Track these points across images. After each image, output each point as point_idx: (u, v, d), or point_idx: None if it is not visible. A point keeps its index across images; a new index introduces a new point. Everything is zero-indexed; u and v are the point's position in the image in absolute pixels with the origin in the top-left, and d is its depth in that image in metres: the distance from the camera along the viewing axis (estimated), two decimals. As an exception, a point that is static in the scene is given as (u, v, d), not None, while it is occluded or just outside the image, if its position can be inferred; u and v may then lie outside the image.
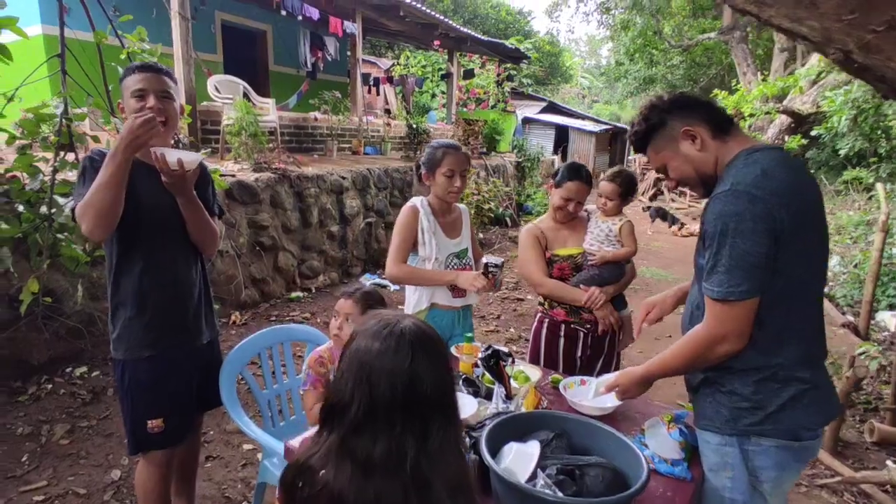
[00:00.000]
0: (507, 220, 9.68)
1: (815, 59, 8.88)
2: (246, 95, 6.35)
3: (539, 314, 2.57)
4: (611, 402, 1.85)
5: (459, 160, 2.34)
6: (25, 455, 2.85)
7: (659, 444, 1.60)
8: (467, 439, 1.48)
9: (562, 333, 2.47)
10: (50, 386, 3.49)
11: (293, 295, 5.49)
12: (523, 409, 1.55)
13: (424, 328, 1.04)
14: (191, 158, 1.74)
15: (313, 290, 5.77)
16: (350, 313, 1.92)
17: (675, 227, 10.71)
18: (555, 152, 17.48)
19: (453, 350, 2.21)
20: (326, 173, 6.05)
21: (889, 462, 2.97)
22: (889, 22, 1.25)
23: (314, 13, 7.33)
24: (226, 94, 6.05)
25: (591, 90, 37.38)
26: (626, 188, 2.38)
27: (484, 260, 2.28)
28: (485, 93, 12.90)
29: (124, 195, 1.67)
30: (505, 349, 1.72)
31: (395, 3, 8.29)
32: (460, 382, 1.82)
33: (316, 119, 7.85)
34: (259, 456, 2.88)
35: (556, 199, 2.43)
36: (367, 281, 6.23)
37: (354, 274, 6.44)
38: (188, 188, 1.79)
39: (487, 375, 1.86)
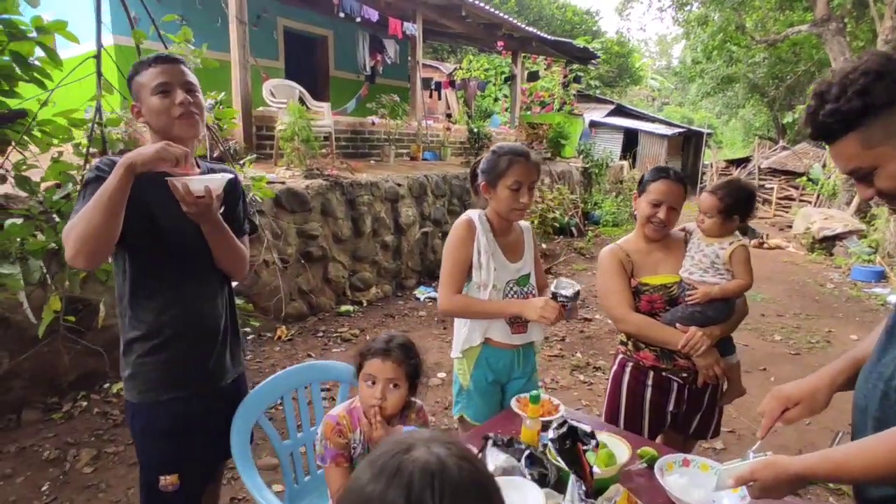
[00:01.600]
0: (573, 229, 9.07)
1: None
2: (301, 100, 6.16)
3: (620, 356, 2.07)
4: (731, 501, 1.34)
5: (529, 171, 1.88)
6: (46, 483, 2.65)
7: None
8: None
9: (649, 382, 1.96)
10: (85, 403, 3.32)
11: (343, 308, 5.19)
12: (614, 525, 1.08)
13: (454, 469, 0.62)
14: (218, 182, 1.43)
15: (364, 304, 5.46)
16: (393, 378, 1.50)
17: (754, 241, 9.71)
18: (623, 157, 16.56)
19: (513, 405, 1.75)
20: (381, 180, 5.74)
21: None
22: None
23: (373, 14, 7.09)
24: (281, 98, 5.87)
25: (661, 92, 35.69)
26: (732, 202, 1.83)
27: (552, 288, 1.82)
28: (550, 95, 12.33)
29: (121, 219, 1.36)
30: (587, 427, 1.24)
31: (456, 3, 7.94)
32: (523, 459, 1.36)
33: (373, 124, 7.61)
34: None
35: (643, 208, 1.93)
36: (422, 295, 5.87)
37: (409, 286, 6.09)
38: (213, 215, 1.48)
39: (554, 454, 1.39)
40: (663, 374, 1.94)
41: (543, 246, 7.77)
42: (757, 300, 6.47)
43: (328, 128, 6.22)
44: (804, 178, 13.01)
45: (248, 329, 4.01)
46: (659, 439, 2.11)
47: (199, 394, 1.63)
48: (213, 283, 1.64)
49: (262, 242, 4.26)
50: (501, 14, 9.26)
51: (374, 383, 1.50)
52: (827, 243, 9.38)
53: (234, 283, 1.79)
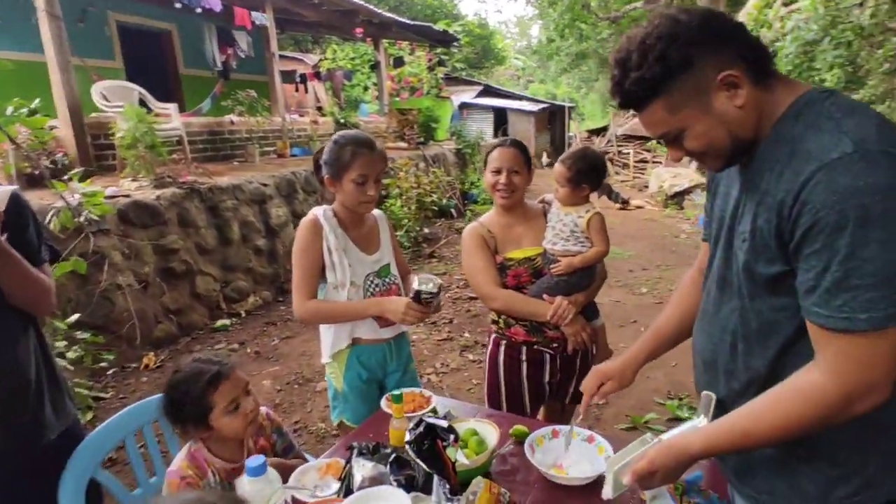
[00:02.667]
0: (453, 211, 9.20)
1: (744, 17, 8.77)
2: (142, 102, 5.57)
3: (494, 335, 2.08)
4: (591, 465, 1.39)
5: (374, 162, 1.80)
6: None
7: (670, 530, 1.14)
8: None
9: (523, 357, 2.00)
10: None
11: (219, 323, 4.82)
12: (477, 516, 1.06)
13: None
14: None
15: (243, 315, 5.12)
16: (241, 388, 1.43)
17: (618, 204, 10.53)
18: (495, 136, 17.11)
19: (383, 405, 1.70)
20: (244, 182, 5.38)
21: None
22: None
23: (215, 4, 6.56)
24: (116, 102, 5.27)
25: (524, 71, 37.28)
26: (580, 170, 1.87)
27: (415, 285, 1.77)
28: (418, 80, 12.33)
29: None
30: (444, 422, 1.21)
31: (307, -11, 7.61)
32: (389, 464, 1.31)
33: (232, 123, 7.11)
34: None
35: (488, 179, 1.97)
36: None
37: (289, 290, 5.75)
38: None
39: (408, 449, 1.35)
40: (535, 347, 1.98)
41: (425, 230, 7.80)
42: (624, 257, 7.02)
43: (178, 131, 5.71)
44: (654, 142, 14.26)
45: (104, 364, 3.59)
46: (541, 413, 2.18)
47: (9, 457, 1.38)
48: (10, 325, 1.38)
49: (111, 265, 3.81)
50: (358, 0, 9.04)
51: (237, 407, 1.41)
52: (677, 198, 10.41)
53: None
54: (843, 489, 0.98)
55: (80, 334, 3.27)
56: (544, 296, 1.89)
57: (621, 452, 1.11)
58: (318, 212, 1.87)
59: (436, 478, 1.14)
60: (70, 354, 3.19)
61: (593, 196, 2.01)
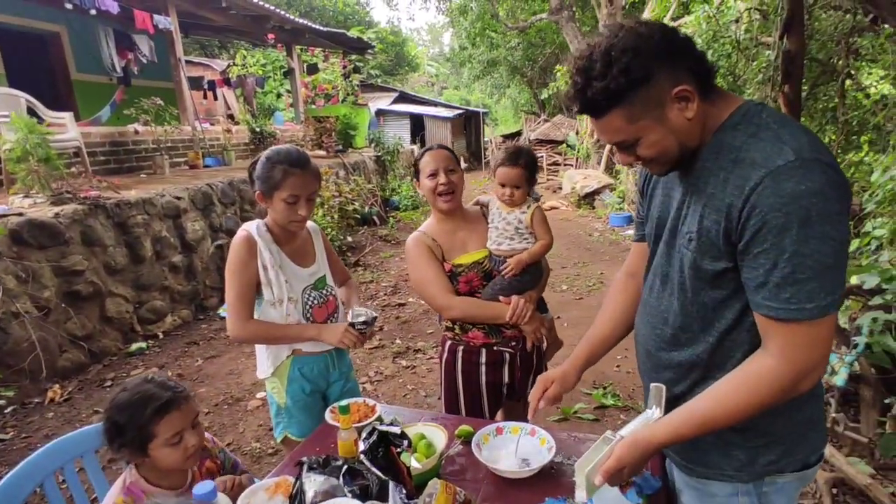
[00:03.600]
0: (375, 218, 9.17)
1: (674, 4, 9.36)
2: (31, 111, 5.11)
3: (449, 342, 2.05)
4: (536, 457, 1.47)
5: (307, 182, 1.78)
6: None
7: (611, 509, 1.24)
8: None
9: (482, 360, 1.98)
10: None
11: (134, 347, 4.52)
12: (436, 518, 1.10)
13: None
14: None
15: (161, 336, 4.83)
16: (189, 420, 1.37)
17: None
18: (413, 142, 17.21)
19: (328, 417, 1.69)
20: (156, 195, 5.07)
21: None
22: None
23: (112, 6, 6.14)
24: (1, 111, 4.79)
25: (438, 77, 37.77)
26: (532, 169, 1.92)
27: (350, 317, 1.80)
28: (333, 87, 12.14)
29: None
30: (396, 428, 1.24)
31: (214, -7, 7.30)
32: (341, 476, 1.31)
33: (136, 132, 6.68)
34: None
35: (424, 184, 1.93)
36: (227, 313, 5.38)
37: (210, 307, 5.55)
38: None
39: (362, 458, 1.37)
40: (495, 348, 1.97)
41: (349, 239, 7.72)
42: (548, 255, 7.31)
43: (75, 141, 5.29)
44: (564, 146, 14.99)
45: (1, 402, 3.26)
46: (499, 415, 2.14)
47: None
48: None
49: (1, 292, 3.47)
50: (268, 6, 8.79)
51: (180, 441, 1.35)
52: (589, 198, 10.98)
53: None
54: (767, 456, 1.12)
55: (-28, 370, 2.95)
56: (500, 298, 1.90)
57: (587, 454, 1.11)
58: (251, 227, 1.84)
59: (391, 484, 1.17)
60: (-40, 393, 2.87)
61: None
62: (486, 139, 23.46)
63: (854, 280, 2.89)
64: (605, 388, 3.65)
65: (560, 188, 13.12)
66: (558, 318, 5.05)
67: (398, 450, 1.19)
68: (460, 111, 22.17)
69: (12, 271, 3.68)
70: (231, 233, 5.91)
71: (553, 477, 1.44)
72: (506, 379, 2.02)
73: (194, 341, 4.79)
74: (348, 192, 7.77)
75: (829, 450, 2.63)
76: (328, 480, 1.32)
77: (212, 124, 8.78)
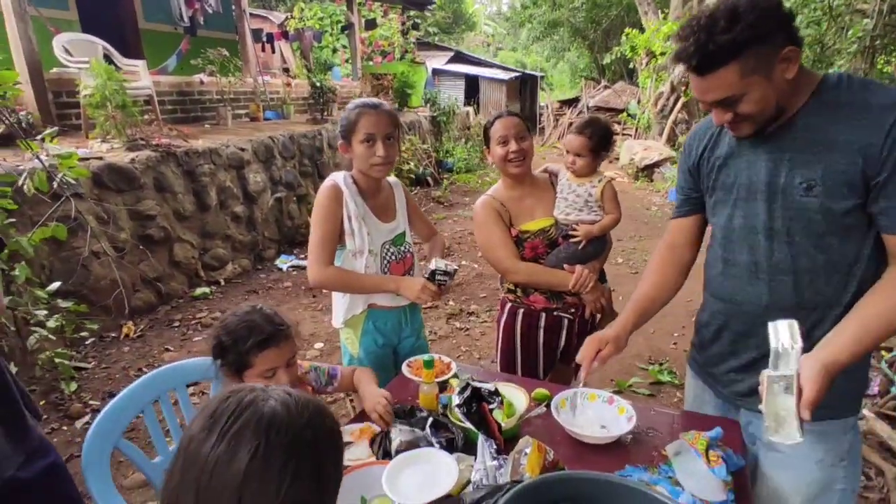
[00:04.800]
0: (429, 179, 9.16)
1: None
2: (108, 58, 5.27)
3: (510, 304, 2.10)
4: (615, 424, 1.47)
5: (380, 121, 1.78)
6: None
7: (697, 483, 1.23)
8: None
9: (541, 324, 2.04)
10: None
11: (198, 291, 4.73)
12: (527, 474, 1.11)
13: (293, 417, 0.70)
14: None
15: (222, 283, 5.03)
16: (285, 359, 1.42)
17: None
18: (467, 103, 16.94)
19: (405, 370, 1.73)
20: (221, 146, 5.21)
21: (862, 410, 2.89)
22: None
23: (183, -45, 6.20)
24: (80, 57, 4.96)
25: (494, 37, 36.75)
26: (599, 141, 1.90)
27: (431, 265, 1.80)
28: (390, 44, 12.01)
29: None
30: (490, 385, 1.26)
31: (279, -57, 7.25)
32: (427, 428, 1.35)
33: (202, 83, 6.81)
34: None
35: (496, 152, 1.95)
36: (285, 264, 5.57)
37: (268, 258, 5.73)
38: None
39: (456, 412, 1.40)
40: (554, 313, 2.02)
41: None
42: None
43: (148, 90, 5.44)
44: (624, 114, 14.43)
45: (84, 333, 3.49)
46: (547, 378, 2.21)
47: None
48: None
49: (86, 231, 3.66)
50: (330, -43, 8.68)
51: (273, 375, 1.40)
52: (648, 171, 10.62)
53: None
54: (860, 390, 1.36)
55: (62, 303, 3.16)
56: (565, 266, 1.93)
57: (766, 401, 1.09)
58: (339, 178, 1.85)
59: (482, 438, 1.19)
60: (50, 324, 3.08)
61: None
62: (541, 104, 22.84)
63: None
64: (661, 364, 3.60)
65: (617, 158, 12.73)
66: (613, 290, 4.96)
67: (490, 406, 1.21)
68: (516, 74, 21.58)
69: (94, 212, 3.88)
70: (290, 186, 6.05)
71: (631, 445, 1.43)
72: (562, 344, 2.07)
73: (254, 290, 4.97)
74: (403, 152, 7.76)
75: (903, 445, 2.53)
76: (413, 431, 1.36)
77: (271, 77, 8.86)
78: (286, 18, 13.20)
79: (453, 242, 6.39)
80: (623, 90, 16.30)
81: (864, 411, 2.79)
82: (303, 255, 5.87)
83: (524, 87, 22.82)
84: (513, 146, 1.91)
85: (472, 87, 19.39)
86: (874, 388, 3.09)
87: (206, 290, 4.77)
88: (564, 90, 26.86)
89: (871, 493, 2.43)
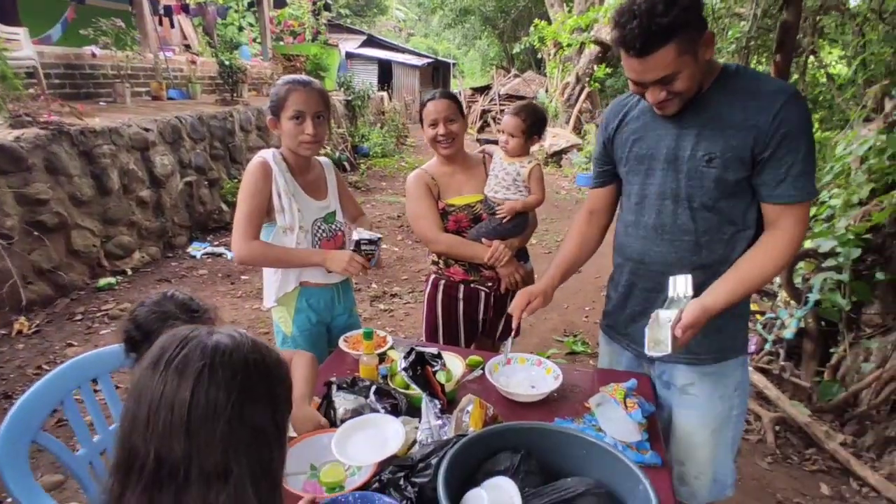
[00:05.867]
0: (346, 164, 9.04)
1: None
2: (-19, 24, 4.72)
3: (433, 276, 2.24)
4: (544, 383, 1.61)
5: (309, 98, 1.79)
6: None
7: (617, 427, 1.39)
8: (409, 487, 1.11)
9: (460, 296, 2.18)
10: None
11: (102, 282, 4.41)
12: (471, 428, 1.22)
13: (238, 344, 0.72)
14: None
15: (129, 272, 4.72)
16: None
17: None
18: (380, 88, 16.76)
19: (342, 345, 1.78)
20: (122, 125, 4.84)
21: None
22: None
23: (68, -86, 5.63)
24: (-52, 22, 4.40)
25: (406, 23, 36.47)
26: (533, 123, 2.03)
27: (355, 236, 1.84)
28: (300, 25, 11.60)
29: None
30: (433, 349, 1.34)
31: None
32: (371, 395, 1.41)
33: (94, 56, 6.24)
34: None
35: (427, 133, 2.06)
36: (198, 251, 5.32)
37: (179, 245, 5.43)
38: None
39: (400, 378, 1.48)
40: (472, 285, 2.16)
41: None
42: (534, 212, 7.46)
43: (31, 60, 4.95)
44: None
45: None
46: (471, 348, 2.37)
47: None
48: None
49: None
50: (235, -72, 8.22)
51: None
52: (556, 157, 11.14)
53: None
54: (745, 333, 1.60)
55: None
56: (483, 239, 2.06)
57: (651, 327, 1.33)
58: (268, 155, 1.85)
59: (426, 398, 1.27)
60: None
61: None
62: (454, 91, 23.10)
63: (809, 244, 3.15)
64: (575, 336, 3.88)
65: (527, 145, 13.19)
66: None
67: (434, 369, 1.30)
68: (430, 60, 21.64)
69: (-25, 196, 3.50)
70: (200, 170, 5.76)
71: (558, 401, 1.58)
72: (481, 315, 2.21)
73: (165, 279, 4.72)
74: (319, 136, 7.59)
75: (774, 392, 2.94)
76: (357, 399, 1.42)
77: (173, 53, 8.29)
78: (186, -9, 12.35)
79: (374, 227, 6.39)
80: (532, 79, 16.86)
81: (745, 367, 3.20)
82: (217, 242, 5.62)
83: (437, 74, 22.95)
84: (441, 129, 2.01)
85: (386, 72, 19.22)
86: (752, 347, 3.54)
87: (112, 280, 4.45)
88: (475, 78, 27.27)
89: (750, 435, 2.81)
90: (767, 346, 3.40)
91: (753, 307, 4.00)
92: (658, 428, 1.49)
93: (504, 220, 2.06)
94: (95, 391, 1.66)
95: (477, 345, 2.32)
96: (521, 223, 2.12)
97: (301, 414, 1.36)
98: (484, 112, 17.06)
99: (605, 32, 11.48)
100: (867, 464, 2.54)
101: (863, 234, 2.89)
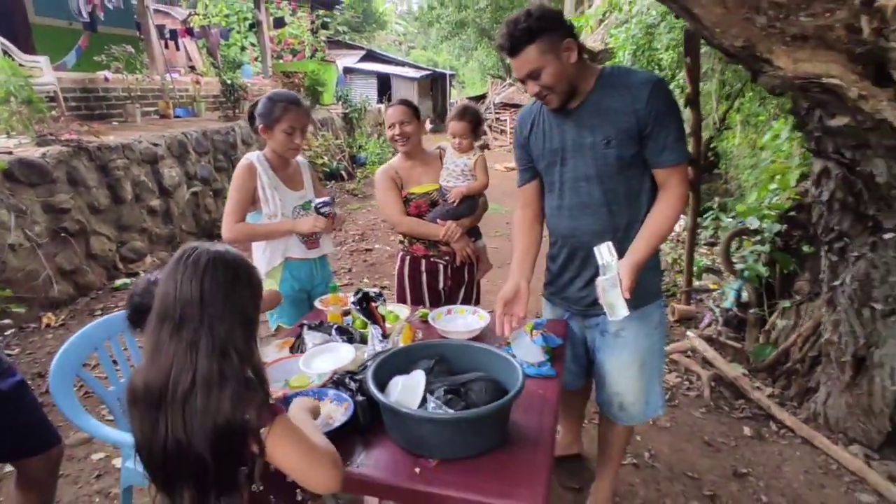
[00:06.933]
0: (343, 173, 9.50)
1: (600, 1, 9.85)
2: (6, 53, 5.23)
3: (400, 253, 2.65)
4: (475, 324, 2.00)
5: (301, 116, 2.24)
6: None
7: (525, 351, 1.78)
8: (352, 383, 1.51)
9: (423, 269, 2.58)
10: None
11: (118, 283, 4.86)
12: (401, 345, 1.61)
13: (230, 252, 1.13)
14: None
15: (142, 275, 5.16)
16: None
17: (499, 166, 11.48)
18: (380, 101, 17.31)
19: (318, 304, 2.19)
20: (134, 141, 5.32)
21: (688, 332, 3.67)
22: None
23: (81, -49, 6.17)
24: (-23, 53, 4.91)
25: (406, 36, 37.27)
26: (475, 122, 2.47)
27: (313, 203, 2.27)
28: (300, 43, 12.16)
29: None
30: (375, 289, 1.75)
31: (182, -59, 7.31)
32: (333, 332, 1.82)
33: (107, 80, 6.77)
34: (115, 462, 2.61)
35: (388, 134, 2.51)
36: (203, 255, 5.74)
37: (186, 249, 5.87)
38: None
39: (359, 320, 1.88)
40: (432, 259, 2.56)
41: (319, 192, 8.05)
42: (502, 212, 7.85)
43: (52, 86, 5.46)
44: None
45: (7, 321, 3.62)
46: None
47: None
48: None
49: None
50: (235, -45, 8.78)
51: None
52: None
53: None
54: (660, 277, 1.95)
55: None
56: (438, 220, 2.47)
57: (600, 293, 1.63)
58: (253, 157, 2.27)
59: (371, 328, 1.68)
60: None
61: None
62: (452, 101, 23.63)
63: (741, 224, 3.53)
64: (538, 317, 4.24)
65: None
66: (509, 263, 5.62)
67: (375, 304, 1.70)
68: (427, 72, 22.22)
69: (6, 206, 3.96)
70: (205, 181, 6.24)
71: (489, 339, 1.96)
72: (441, 285, 2.60)
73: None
74: (317, 147, 8.07)
75: (712, 354, 3.30)
76: (322, 336, 1.82)
77: (178, 74, 8.83)
78: (189, 15, 12.96)
79: (367, 230, 6.82)
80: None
81: (690, 333, 3.57)
82: (223, 239, 6.07)
83: (435, 85, 23.51)
84: (396, 130, 2.45)
85: (385, 85, 19.77)
86: (706, 321, 3.90)
87: (127, 280, 4.90)
88: (475, 87, 27.87)
89: (691, 391, 3.17)
90: (716, 317, 3.77)
91: (712, 286, 4.38)
92: (562, 355, 1.88)
93: (455, 204, 2.47)
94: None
95: None
96: (471, 205, 2.54)
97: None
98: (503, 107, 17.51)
99: (592, 40, 11.93)
100: (788, 410, 2.89)
101: (786, 212, 3.26)
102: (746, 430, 2.80)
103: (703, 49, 4.25)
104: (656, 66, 6.98)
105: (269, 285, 2.37)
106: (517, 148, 2.03)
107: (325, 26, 13.44)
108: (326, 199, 2.27)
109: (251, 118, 2.28)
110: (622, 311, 1.61)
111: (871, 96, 1.33)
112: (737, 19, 1.44)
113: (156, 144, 5.55)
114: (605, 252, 1.69)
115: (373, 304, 1.67)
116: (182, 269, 1.07)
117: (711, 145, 6.71)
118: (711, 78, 6.06)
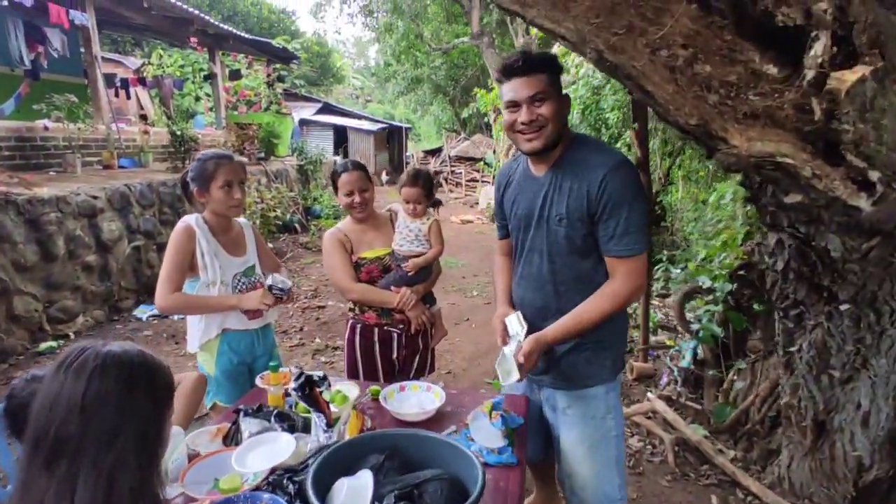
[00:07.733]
0: (297, 226, 9.30)
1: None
2: (-67, 102, 4.91)
3: (350, 321, 2.49)
4: (430, 405, 1.87)
5: (235, 169, 2.12)
6: None
7: (484, 435, 1.66)
8: (291, 486, 1.33)
9: (376, 338, 2.42)
10: None
11: (43, 346, 4.46)
12: (347, 436, 1.46)
13: (126, 351, 0.95)
14: None
15: (72, 336, 4.77)
16: None
17: (454, 218, 11.57)
18: (336, 153, 17.35)
19: (258, 382, 2.00)
20: (70, 193, 5.02)
21: (648, 393, 3.61)
22: (628, 26, 1.45)
23: None
24: None
25: (363, 90, 37.98)
26: (429, 188, 2.39)
27: (268, 282, 2.11)
28: (255, 95, 12.12)
29: None
30: (319, 373, 1.59)
31: (135, -7, 7.25)
32: (272, 418, 1.64)
33: (47, 128, 6.45)
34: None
35: (341, 200, 2.39)
36: (144, 314, 5.40)
37: (126, 308, 5.51)
38: None
39: (301, 405, 1.71)
40: (385, 328, 2.41)
41: (270, 245, 7.82)
42: (458, 266, 7.81)
43: (-19, 136, 5.12)
44: (482, 163, 15.76)
45: None
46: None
47: None
48: None
49: None
50: (190, 9, 8.76)
51: None
52: (504, 214, 11.67)
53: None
54: (615, 360, 1.83)
55: None
56: (392, 287, 2.35)
57: (500, 361, 1.69)
58: (191, 219, 2.12)
59: (314, 414, 1.51)
60: None
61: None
62: (408, 154, 23.94)
63: (693, 282, 3.56)
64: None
65: (477, 203, 13.81)
66: (467, 319, 5.53)
67: (319, 389, 1.54)
68: (384, 125, 22.54)
69: (-84, 265, 3.60)
70: (149, 234, 5.93)
71: (446, 419, 1.83)
72: (395, 354, 2.45)
73: (108, 341, 4.78)
74: (270, 199, 7.89)
75: (672, 416, 3.24)
76: (261, 423, 1.64)
77: (126, 124, 8.56)
78: (143, 64, 12.79)
79: (320, 284, 6.61)
80: (481, 141, 17.80)
81: (650, 395, 3.51)
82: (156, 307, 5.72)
83: (392, 138, 23.85)
84: (357, 198, 2.34)
85: (342, 137, 19.90)
86: (665, 380, 3.87)
87: (53, 343, 4.50)
88: (431, 141, 28.40)
89: (655, 457, 3.08)
90: (674, 376, 3.73)
91: (669, 343, 4.38)
92: (524, 436, 1.76)
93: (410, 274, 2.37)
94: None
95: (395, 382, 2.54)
96: (425, 271, 2.44)
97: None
98: (436, 173, 17.76)
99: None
100: (753, 475, 2.83)
101: (736, 271, 3.31)
102: (714, 500, 2.71)
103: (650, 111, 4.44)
104: (603, 125, 7.26)
105: (204, 359, 2.18)
106: (495, 204, 2.02)
107: (281, 79, 13.49)
108: (286, 283, 2.12)
109: (184, 186, 2.14)
110: (514, 376, 1.62)
111: (825, 175, 1.33)
112: (689, 97, 1.44)
113: (95, 197, 5.26)
114: (513, 323, 1.72)
115: (316, 390, 1.52)
116: (62, 379, 0.88)
117: (658, 199, 6.96)
118: (654, 136, 6.31)
